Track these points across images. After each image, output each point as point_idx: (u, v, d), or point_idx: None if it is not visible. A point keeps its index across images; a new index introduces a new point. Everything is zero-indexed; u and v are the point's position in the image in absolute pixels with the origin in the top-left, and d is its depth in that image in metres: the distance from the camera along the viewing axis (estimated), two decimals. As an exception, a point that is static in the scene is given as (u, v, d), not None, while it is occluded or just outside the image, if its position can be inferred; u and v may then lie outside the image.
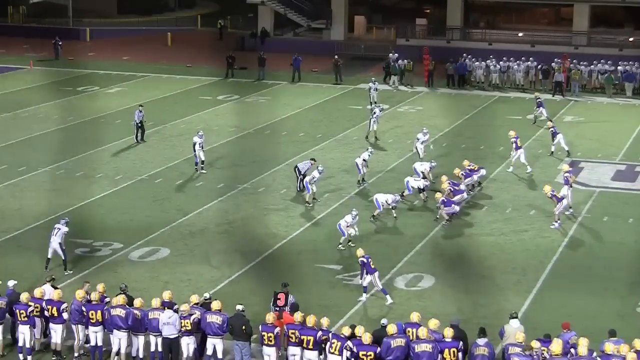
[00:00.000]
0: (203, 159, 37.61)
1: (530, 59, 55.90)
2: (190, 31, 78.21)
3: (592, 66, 55.40)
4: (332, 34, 69.50)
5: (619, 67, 54.68)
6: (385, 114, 45.98)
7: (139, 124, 41.86)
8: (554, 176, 36.74)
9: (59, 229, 27.47)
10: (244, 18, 76.62)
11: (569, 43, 63.25)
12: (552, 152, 40.37)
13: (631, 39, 63.26)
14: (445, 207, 31.91)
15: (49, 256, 27.43)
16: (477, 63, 56.15)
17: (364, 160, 36.11)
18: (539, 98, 47.05)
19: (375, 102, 48.77)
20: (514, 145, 38.00)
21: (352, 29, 71.71)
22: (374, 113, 42.93)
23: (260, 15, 71.02)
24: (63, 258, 27.41)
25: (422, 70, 56.25)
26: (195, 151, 37.56)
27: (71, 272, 27.34)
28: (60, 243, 27.29)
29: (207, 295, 23.04)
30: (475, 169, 35.41)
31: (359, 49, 66.41)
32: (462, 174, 34.70)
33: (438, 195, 32.35)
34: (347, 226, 29.56)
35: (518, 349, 20.42)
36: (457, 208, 32.30)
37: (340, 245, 29.57)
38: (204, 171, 37.43)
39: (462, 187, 33.45)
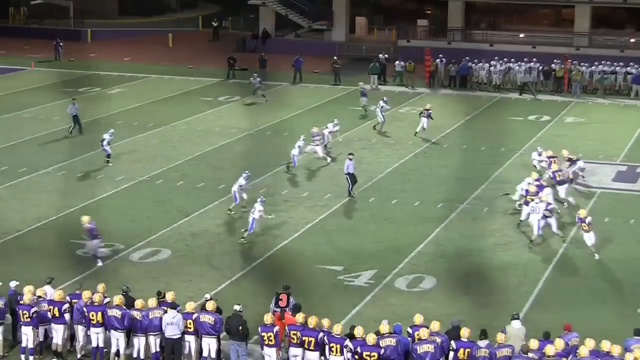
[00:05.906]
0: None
1: (534, 60, 55.81)
2: (191, 32, 78.22)
3: (593, 67, 55.37)
4: (333, 35, 69.50)
5: (628, 69, 54.62)
6: (387, 114, 45.87)
7: (75, 117, 43.20)
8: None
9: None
10: (245, 19, 76.61)
11: (570, 44, 63.25)
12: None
13: (632, 40, 63.24)
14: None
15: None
16: (480, 64, 56.10)
17: (329, 132, 39.31)
18: (363, 88, 48.57)
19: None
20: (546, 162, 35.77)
21: (353, 30, 71.71)
22: (380, 106, 44.15)
23: (262, 16, 71.04)
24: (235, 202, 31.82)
25: (423, 71, 56.33)
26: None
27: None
28: (241, 186, 31.75)
29: (207, 295, 23.03)
30: (575, 159, 35.47)
31: (360, 50, 66.39)
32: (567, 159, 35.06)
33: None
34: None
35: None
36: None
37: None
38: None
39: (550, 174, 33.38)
